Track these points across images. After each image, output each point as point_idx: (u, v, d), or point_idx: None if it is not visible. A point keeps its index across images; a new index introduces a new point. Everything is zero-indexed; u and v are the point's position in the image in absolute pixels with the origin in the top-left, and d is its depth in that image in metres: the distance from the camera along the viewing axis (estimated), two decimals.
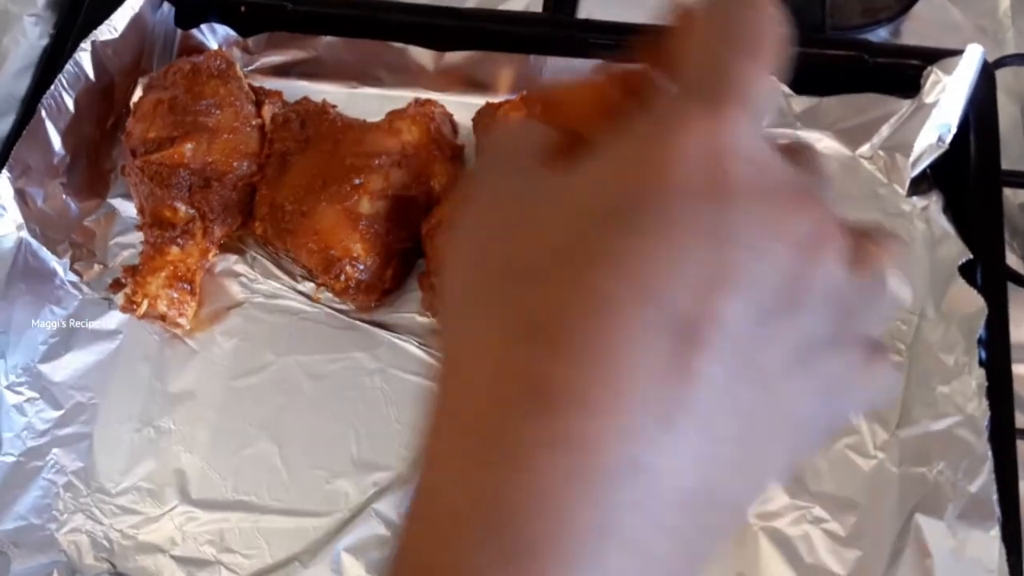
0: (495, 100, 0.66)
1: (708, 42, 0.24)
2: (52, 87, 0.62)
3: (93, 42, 0.63)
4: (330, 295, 0.63)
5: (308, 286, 0.64)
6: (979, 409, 0.53)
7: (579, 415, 0.21)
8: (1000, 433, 0.52)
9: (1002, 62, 0.66)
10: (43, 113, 0.62)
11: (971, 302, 0.55)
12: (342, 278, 0.60)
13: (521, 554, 0.21)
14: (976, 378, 0.53)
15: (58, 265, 0.64)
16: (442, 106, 0.67)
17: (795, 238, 0.22)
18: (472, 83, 0.69)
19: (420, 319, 0.62)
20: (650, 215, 0.22)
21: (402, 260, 0.62)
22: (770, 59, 0.24)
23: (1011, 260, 0.61)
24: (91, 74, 0.64)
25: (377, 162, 0.62)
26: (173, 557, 0.56)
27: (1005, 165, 0.62)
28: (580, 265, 0.22)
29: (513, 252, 0.23)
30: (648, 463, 0.21)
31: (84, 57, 0.63)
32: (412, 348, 0.61)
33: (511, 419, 0.22)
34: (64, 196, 0.64)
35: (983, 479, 0.51)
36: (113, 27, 0.64)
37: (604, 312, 0.21)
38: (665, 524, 0.22)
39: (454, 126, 0.68)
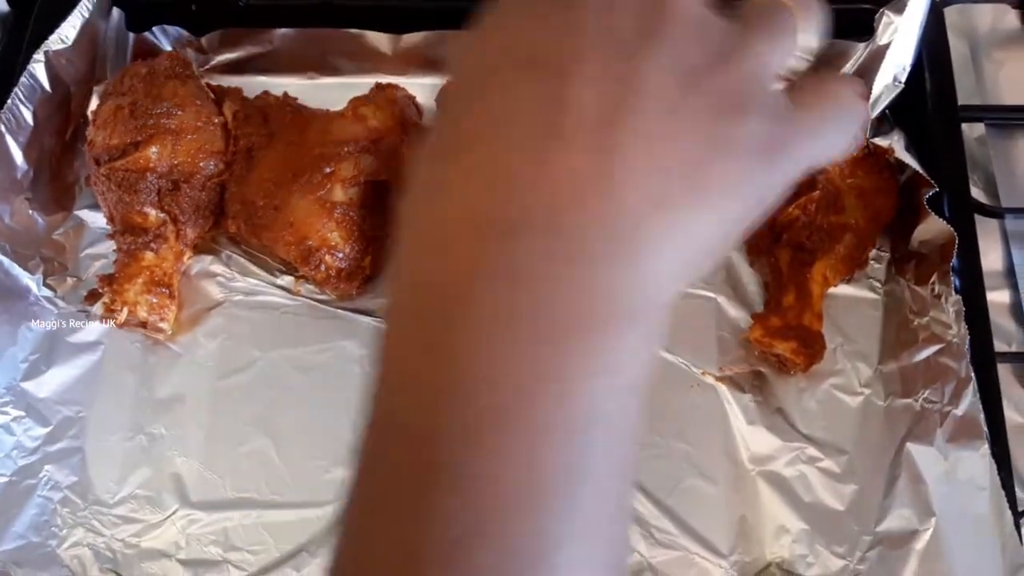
0: None
1: None
2: (9, 100, 0.61)
3: (46, 52, 0.62)
4: (310, 287, 0.63)
5: (287, 280, 0.64)
6: (958, 335, 0.54)
7: (487, 148, 0.25)
8: (980, 356, 0.54)
9: (948, 0, 0.67)
10: (2, 128, 0.61)
11: (941, 233, 0.56)
12: (322, 268, 0.60)
13: (449, 247, 0.25)
14: (953, 305, 0.55)
15: (31, 281, 0.63)
16: (404, 89, 0.67)
17: None
18: (432, 63, 0.69)
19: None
20: (509, 15, 0.27)
21: (380, 245, 0.62)
22: None
23: (974, 192, 0.62)
24: (46, 85, 0.63)
25: (346, 149, 0.62)
26: (179, 561, 0.56)
27: (959, 100, 0.63)
28: (470, 67, 0.28)
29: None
30: (543, 163, 0.24)
31: (38, 68, 0.62)
32: None
33: (443, 160, 0.26)
34: (30, 211, 0.63)
35: (968, 401, 0.52)
36: (64, 36, 0.63)
37: (489, 88, 0.26)
38: (575, 205, 0.24)
39: (418, 108, 0.68)
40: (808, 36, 0.29)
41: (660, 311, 0.25)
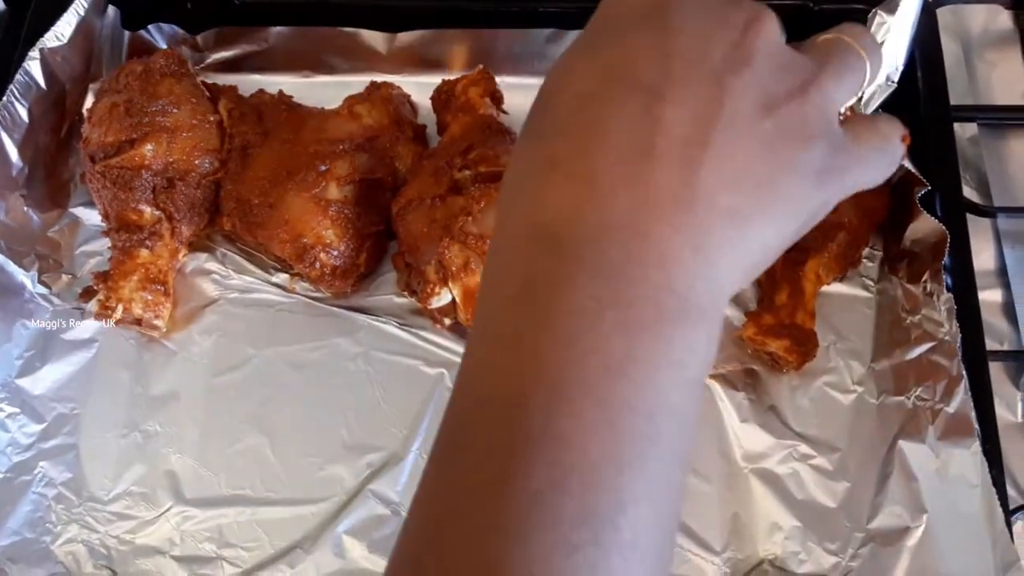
0: (451, 77, 0.66)
1: None
2: (4, 98, 0.61)
3: (42, 49, 0.62)
4: (305, 284, 0.63)
5: (282, 277, 0.64)
6: (950, 333, 0.54)
7: (579, 161, 0.28)
8: (971, 354, 0.54)
9: (941, 1, 0.68)
10: None
11: (933, 232, 0.56)
12: (317, 265, 0.60)
13: (553, 249, 0.28)
14: (945, 303, 0.55)
15: (26, 278, 0.63)
16: (399, 87, 0.67)
17: (730, 23, 0.29)
18: (426, 62, 0.69)
19: (397, 300, 0.63)
20: (606, 36, 0.30)
21: (375, 243, 0.62)
22: None
23: (966, 191, 0.63)
24: (42, 82, 0.63)
25: (341, 147, 0.62)
26: (173, 557, 0.56)
27: (952, 101, 0.64)
28: (565, 86, 0.30)
29: (536, 102, 0.31)
30: (637, 179, 0.27)
31: (34, 66, 0.62)
32: (392, 329, 0.62)
33: (532, 178, 0.29)
34: (25, 208, 0.63)
35: (960, 399, 0.53)
36: (60, 34, 0.63)
37: (584, 105, 0.29)
38: (663, 217, 0.27)
39: (413, 107, 0.68)
40: (870, 78, 0.34)
41: (719, 311, 0.29)
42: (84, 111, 0.67)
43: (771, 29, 0.30)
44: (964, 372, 0.53)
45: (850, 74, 0.32)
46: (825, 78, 0.30)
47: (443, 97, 0.66)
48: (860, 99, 0.41)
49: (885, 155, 0.33)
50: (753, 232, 0.28)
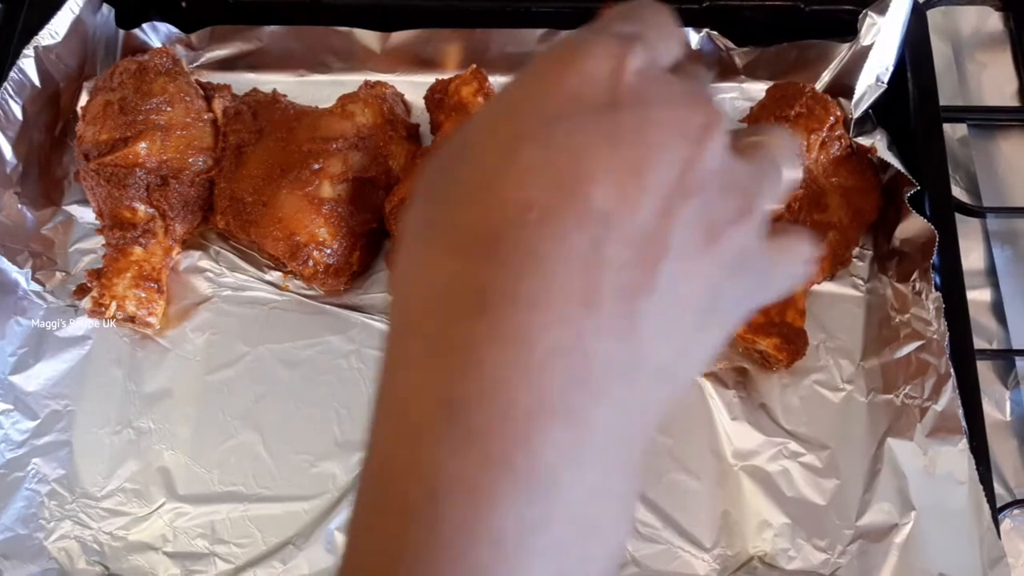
0: (444, 76, 0.67)
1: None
2: None
3: (36, 48, 0.63)
4: (298, 282, 0.63)
5: (275, 275, 0.64)
6: (938, 332, 0.55)
7: (513, 311, 0.24)
8: (960, 353, 0.55)
9: (932, 2, 0.68)
10: None
11: (922, 231, 0.57)
12: (310, 264, 0.60)
13: (472, 442, 0.23)
14: (933, 302, 0.55)
15: (19, 275, 0.63)
16: (392, 87, 0.68)
17: (687, 133, 0.26)
18: (420, 61, 0.69)
19: (391, 298, 0.63)
20: (559, 129, 0.25)
21: (368, 242, 0.63)
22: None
23: (956, 192, 0.63)
24: (36, 80, 0.63)
25: (334, 146, 0.62)
26: (166, 553, 0.56)
27: (942, 101, 0.64)
28: (504, 183, 0.25)
29: (451, 180, 0.27)
30: (577, 346, 0.24)
31: (28, 64, 0.62)
32: (385, 327, 0.61)
33: (455, 321, 0.24)
34: (19, 206, 0.64)
35: (947, 396, 0.53)
36: (54, 32, 0.63)
37: (527, 221, 0.24)
38: (605, 396, 0.24)
39: (406, 106, 0.68)
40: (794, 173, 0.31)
41: (646, 447, 0.27)
42: (78, 109, 0.67)
43: (721, 138, 0.27)
44: (952, 370, 0.53)
45: (776, 190, 0.30)
46: (759, 201, 0.28)
47: (436, 96, 0.66)
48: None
49: (793, 277, 0.31)
50: (681, 378, 0.27)
